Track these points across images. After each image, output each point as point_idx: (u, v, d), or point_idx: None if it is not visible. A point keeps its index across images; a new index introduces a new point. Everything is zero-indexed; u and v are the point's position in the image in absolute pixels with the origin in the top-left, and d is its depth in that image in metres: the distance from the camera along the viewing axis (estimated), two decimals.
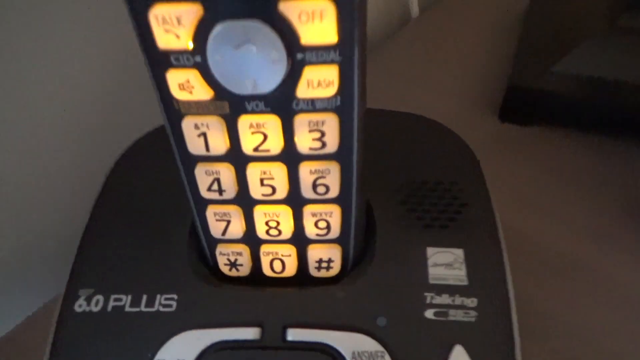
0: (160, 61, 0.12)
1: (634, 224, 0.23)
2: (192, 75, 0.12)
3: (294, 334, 0.14)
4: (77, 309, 0.15)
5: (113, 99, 0.25)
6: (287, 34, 0.11)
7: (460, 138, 0.18)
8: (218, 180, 0.13)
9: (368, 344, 0.13)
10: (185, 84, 0.12)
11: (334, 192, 0.13)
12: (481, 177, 0.17)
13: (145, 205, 0.17)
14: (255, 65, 0.11)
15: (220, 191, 0.14)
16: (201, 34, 0.11)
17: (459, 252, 0.15)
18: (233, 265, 0.15)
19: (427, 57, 0.33)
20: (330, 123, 0.12)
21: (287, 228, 0.14)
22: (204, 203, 0.14)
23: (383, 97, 0.23)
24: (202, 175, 0.13)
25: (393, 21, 0.39)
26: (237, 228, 0.14)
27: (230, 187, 0.14)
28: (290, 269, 0.15)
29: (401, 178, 0.17)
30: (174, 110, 0.12)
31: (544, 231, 0.23)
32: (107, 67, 0.24)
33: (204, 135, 0.13)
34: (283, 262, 0.15)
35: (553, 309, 0.21)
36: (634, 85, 0.24)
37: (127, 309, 0.15)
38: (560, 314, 0.21)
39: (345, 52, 0.11)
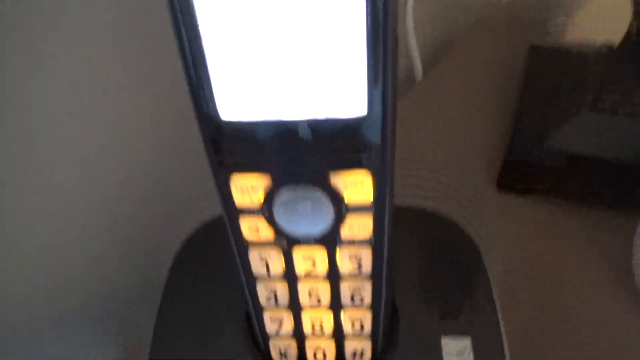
0: (236, 212, 0.15)
1: (617, 279, 0.26)
2: (260, 223, 0.15)
3: None
4: None
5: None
6: (335, 196, 0.14)
7: (465, 233, 0.21)
8: (275, 293, 0.17)
9: None
10: (254, 227, 0.15)
11: (367, 301, 0.17)
12: (484, 272, 0.20)
13: (211, 289, 0.20)
14: (310, 217, 0.14)
15: (276, 302, 0.17)
16: (269, 197, 0.14)
17: (467, 342, 0.18)
18: (283, 355, 0.18)
19: (429, 123, 0.37)
20: (366, 254, 0.15)
21: (329, 328, 0.17)
22: (262, 309, 0.17)
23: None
24: (262, 290, 0.17)
25: (400, 84, 0.42)
26: (288, 327, 0.17)
27: (284, 298, 0.17)
28: (330, 358, 0.18)
29: (420, 273, 0.20)
30: (242, 242, 0.16)
31: (540, 285, 0.26)
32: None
33: (266, 261, 0.16)
34: (325, 353, 0.18)
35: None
36: (611, 162, 0.27)
37: None
38: None
39: (378, 207, 0.14)
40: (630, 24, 0.30)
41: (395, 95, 0.12)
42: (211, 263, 0.21)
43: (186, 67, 0.12)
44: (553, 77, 0.33)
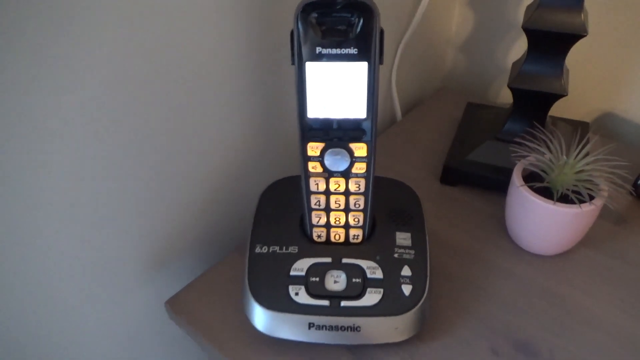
0: (307, 159, 0.33)
1: (501, 234, 0.44)
2: (317, 164, 0.33)
3: (345, 260, 0.34)
4: (256, 251, 0.36)
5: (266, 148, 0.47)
6: (350, 153, 0.33)
7: (413, 190, 0.40)
8: (319, 200, 0.35)
9: (372, 265, 0.34)
10: (314, 167, 0.34)
11: (361, 207, 0.35)
12: (420, 207, 0.38)
13: (282, 209, 0.38)
14: (339, 161, 0.33)
15: (319, 205, 0.35)
16: (323, 151, 0.33)
17: (408, 234, 0.36)
18: (319, 236, 0.36)
19: (405, 145, 0.56)
20: (362, 182, 0.34)
21: (343, 221, 0.35)
22: (311, 210, 0.35)
23: (381, 166, 0.44)
24: (313, 199, 0.35)
25: (386, 120, 0.62)
26: (323, 220, 0.35)
27: (323, 204, 0.35)
28: (342, 238, 0.36)
29: (388, 207, 0.38)
30: (307, 174, 0.34)
31: (453, 235, 0.44)
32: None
33: (317, 184, 0.34)
34: (339, 235, 0.36)
35: (452, 269, 0.41)
36: (503, 168, 0.46)
37: (277, 251, 0.36)
38: (456, 270, 0.41)
39: (369, 160, 0.33)
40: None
41: (376, 110, 0.31)
42: (282, 196, 0.40)
43: (298, 93, 0.31)
44: (475, 121, 0.53)
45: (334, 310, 0.33)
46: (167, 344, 0.47)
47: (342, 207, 0.35)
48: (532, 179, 0.39)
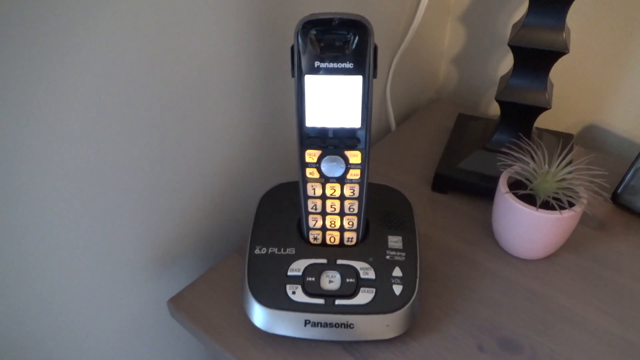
0: (305, 165, 0.35)
1: (488, 238, 0.46)
2: (315, 170, 0.35)
3: (339, 261, 0.36)
4: (256, 252, 0.37)
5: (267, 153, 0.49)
6: (345, 160, 0.34)
7: (405, 196, 0.42)
8: (315, 205, 0.37)
9: (365, 266, 0.36)
10: (311, 173, 0.35)
11: (355, 211, 0.36)
12: (411, 212, 0.40)
13: (280, 212, 0.40)
14: (335, 168, 0.35)
15: (316, 209, 0.37)
16: (320, 158, 0.35)
17: (399, 238, 0.38)
18: (315, 238, 0.38)
19: (398, 154, 0.58)
20: (356, 187, 0.36)
21: (338, 224, 0.37)
22: (308, 214, 0.37)
23: (375, 174, 0.46)
24: (310, 203, 0.37)
25: (381, 130, 0.64)
26: (319, 224, 0.37)
27: (319, 208, 0.37)
28: (337, 241, 0.38)
29: (381, 211, 0.40)
30: (305, 179, 0.36)
31: (443, 238, 0.46)
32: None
33: (314, 189, 0.36)
34: (334, 238, 0.38)
35: (441, 270, 0.43)
36: (490, 176, 0.48)
37: (276, 252, 0.37)
38: (445, 271, 0.43)
39: (363, 167, 0.35)
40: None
41: (370, 120, 0.33)
42: (281, 200, 0.41)
43: (297, 103, 0.32)
44: (466, 132, 0.55)
45: (329, 308, 0.34)
46: (168, 342, 0.48)
47: (337, 211, 0.37)
48: (517, 187, 0.41)
